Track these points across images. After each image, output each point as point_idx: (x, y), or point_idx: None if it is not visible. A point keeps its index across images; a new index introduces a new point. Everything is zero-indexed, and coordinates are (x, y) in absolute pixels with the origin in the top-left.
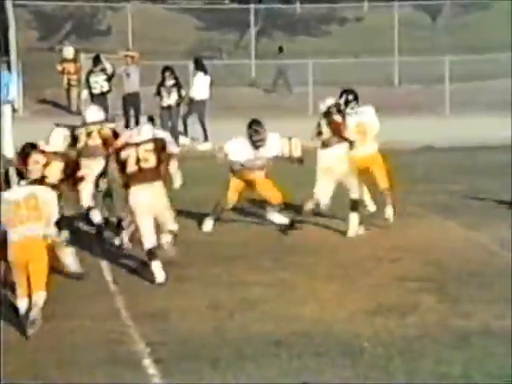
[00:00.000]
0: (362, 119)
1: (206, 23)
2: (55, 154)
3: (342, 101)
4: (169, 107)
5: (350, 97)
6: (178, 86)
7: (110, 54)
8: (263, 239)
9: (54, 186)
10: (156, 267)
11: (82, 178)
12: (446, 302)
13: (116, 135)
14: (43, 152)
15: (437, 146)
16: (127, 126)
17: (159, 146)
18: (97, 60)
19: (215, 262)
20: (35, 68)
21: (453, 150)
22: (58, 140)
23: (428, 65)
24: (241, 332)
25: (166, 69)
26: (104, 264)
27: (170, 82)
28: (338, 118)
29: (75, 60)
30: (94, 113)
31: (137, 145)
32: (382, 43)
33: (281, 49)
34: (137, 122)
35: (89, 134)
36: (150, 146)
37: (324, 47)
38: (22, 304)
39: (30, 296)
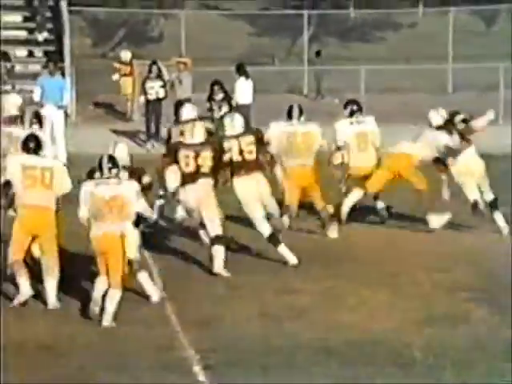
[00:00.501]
0: (364, 129)
1: (259, 29)
2: (202, 144)
3: (347, 112)
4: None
5: (355, 107)
6: (227, 99)
7: (162, 60)
8: (312, 247)
9: (207, 175)
10: (283, 251)
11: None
12: (498, 313)
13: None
14: (190, 145)
15: (489, 155)
16: None
17: (258, 137)
18: (153, 66)
19: (264, 269)
20: (88, 74)
21: (506, 159)
22: (202, 132)
23: (482, 72)
24: (290, 340)
25: (214, 83)
26: (154, 270)
27: (219, 95)
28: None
29: (131, 64)
30: (189, 110)
31: (236, 137)
32: (436, 49)
33: (318, 53)
34: None
35: (182, 133)
36: (250, 138)
37: (377, 53)
38: (99, 282)
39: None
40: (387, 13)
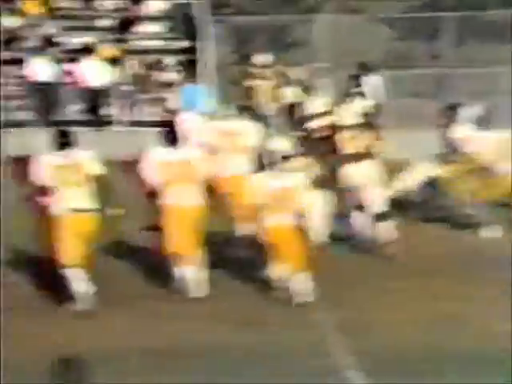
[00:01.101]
0: None
1: (397, 32)
2: (359, 125)
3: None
4: None
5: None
6: (361, 93)
7: (300, 66)
8: (462, 252)
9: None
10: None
11: None
12: None
13: None
14: (347, 127)
15: None
16: None
17: None
18: (289, 72)
19: (416, 274)
20: (229, 81)
21: None
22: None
23: None
24: (442, 347)
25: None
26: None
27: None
28: None
29: (270, 70)
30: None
31: None
32: None
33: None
34: None
35: None
36: None
37: None
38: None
39: None
40: None
